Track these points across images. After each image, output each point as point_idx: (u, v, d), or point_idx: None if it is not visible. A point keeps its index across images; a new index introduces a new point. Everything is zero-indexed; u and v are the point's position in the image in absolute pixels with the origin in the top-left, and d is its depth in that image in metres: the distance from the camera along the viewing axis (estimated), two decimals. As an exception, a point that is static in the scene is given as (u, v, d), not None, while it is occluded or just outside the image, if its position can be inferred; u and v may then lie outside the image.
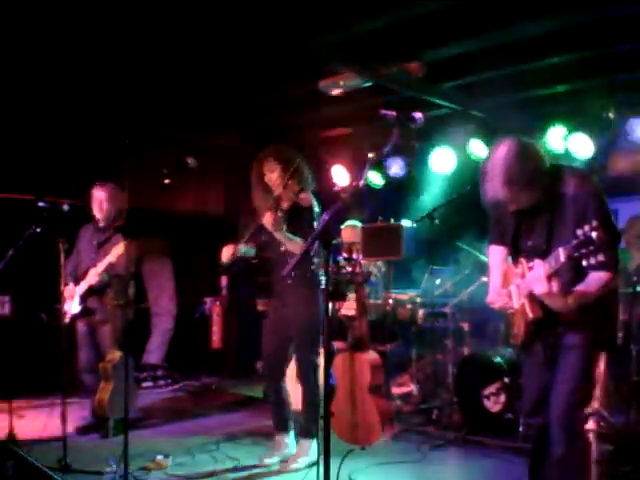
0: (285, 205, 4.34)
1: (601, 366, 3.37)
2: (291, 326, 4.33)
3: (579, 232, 2.51)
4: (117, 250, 4.76)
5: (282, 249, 4.30)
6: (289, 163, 4.23)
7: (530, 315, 2.91)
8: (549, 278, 2.75)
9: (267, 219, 4.13)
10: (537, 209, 2.96)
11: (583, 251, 2.51)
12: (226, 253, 4.33)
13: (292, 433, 4.49)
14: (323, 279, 4.43)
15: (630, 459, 4.10)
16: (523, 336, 3.02)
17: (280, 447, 4.44)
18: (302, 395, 4.40)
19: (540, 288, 2.78)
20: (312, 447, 4.32)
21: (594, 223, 2.48)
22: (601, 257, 2.47)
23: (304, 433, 4.38)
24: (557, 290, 2.76)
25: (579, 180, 2.89)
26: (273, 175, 4.28)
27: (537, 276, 2.79)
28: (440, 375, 5.69)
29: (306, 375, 4.36)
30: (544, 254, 2.82)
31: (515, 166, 2.84)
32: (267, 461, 4.36)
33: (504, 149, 2.90)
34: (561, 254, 2.64)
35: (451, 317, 5.59)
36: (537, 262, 2.81)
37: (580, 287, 2.80)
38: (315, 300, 4.35)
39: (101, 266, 4.92)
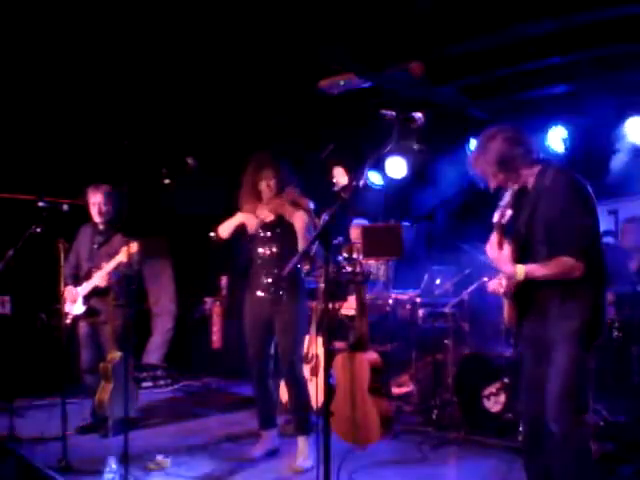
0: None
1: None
2: (273, 325, 4.36)
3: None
4: (132, 249, 4.71)
5: (274, 249, 4.36)
6: (283, 172, 4.39)
7: (500, 291, 3.08)
8: (500, 244, 2.98)
9: (298, 216, 4.26)
10: (526, 197, 3.14)
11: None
12: (228, 228, 4.43)
13: (276, 429, 4.58)
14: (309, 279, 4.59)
15: (630, 458, 4.10)
16: (507, 317, 3.15)
17: (267, 442, 4.52)
18: (291, 394, 4.44)
19: (492, 253, 3.03)
20: (310, 443, 4.33)
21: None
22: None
23: (302, 431, 4.39)
24: (505, 256, 2.98)
25: (556, 174, 3.06)
26: (271, 182, 4.37)
27: (492, 242, 3.04)
28: (440, 375, 5.68)
29: (291, 374, 4.38)
30: (523, 237, 3.05)
31: (489, 148, 3.08)
32: (253, 454, 4.45)
33: (487, 132, 3.15)
34: (495, 217, 3.02)
35: (451, 317, 5.58)
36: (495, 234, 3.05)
37: (537, 263, 2.97)
38: (300, 299, 4.40)
39: (112, 264, 4.87)
